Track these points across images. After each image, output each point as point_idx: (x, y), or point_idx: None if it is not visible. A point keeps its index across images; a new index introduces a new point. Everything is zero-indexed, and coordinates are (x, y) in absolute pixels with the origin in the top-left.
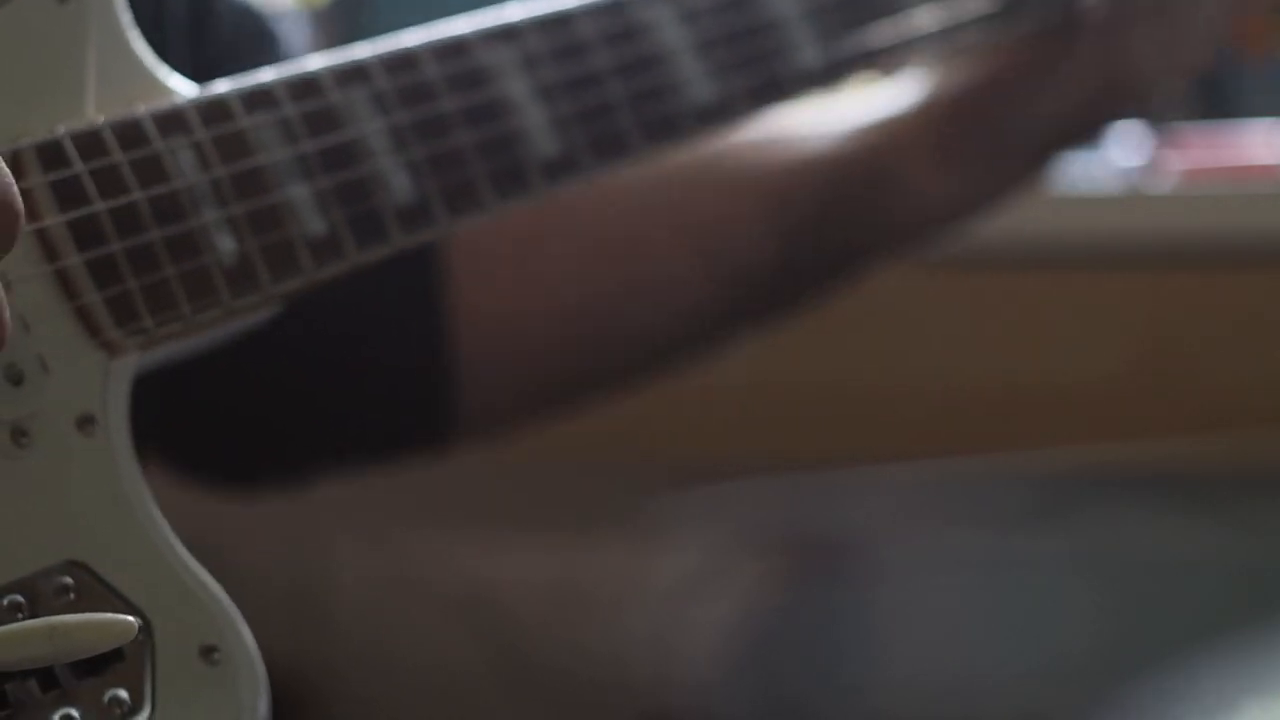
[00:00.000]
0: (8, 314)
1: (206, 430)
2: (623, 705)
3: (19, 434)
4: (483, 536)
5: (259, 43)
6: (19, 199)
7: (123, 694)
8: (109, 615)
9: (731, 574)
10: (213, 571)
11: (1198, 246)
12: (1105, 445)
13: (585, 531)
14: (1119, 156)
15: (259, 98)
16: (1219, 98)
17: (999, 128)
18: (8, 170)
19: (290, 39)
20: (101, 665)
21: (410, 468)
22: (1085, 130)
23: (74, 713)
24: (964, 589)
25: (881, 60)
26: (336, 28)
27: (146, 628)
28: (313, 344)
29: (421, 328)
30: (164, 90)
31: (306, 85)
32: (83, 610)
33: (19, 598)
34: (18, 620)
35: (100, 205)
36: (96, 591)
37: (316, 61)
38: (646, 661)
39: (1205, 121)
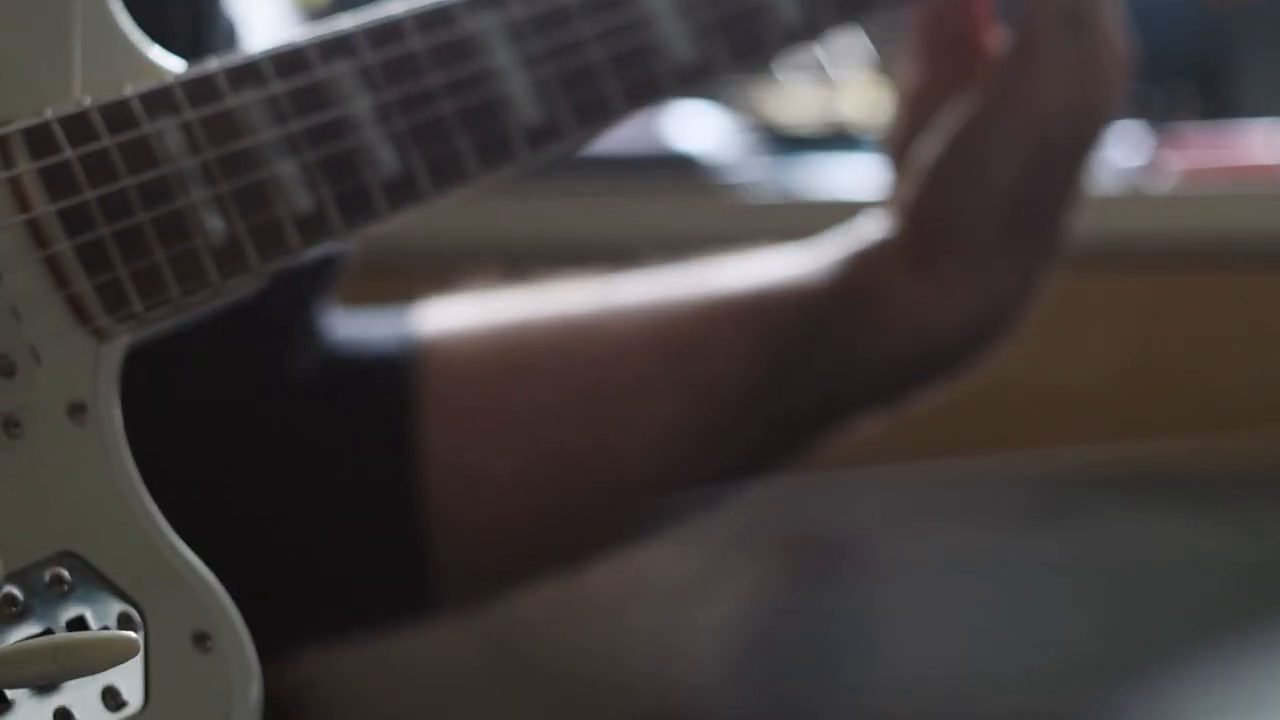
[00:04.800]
0: None
1: None
2: (623, 705)
3: (11, 425)
4: None
5: None
6: None
7: (116, 685)
8: (113, 634)
9: (731, 574)
10: None
11: (1198, 246)
12: (1104, 445)
13: None
14: (1119, 156)
15: (245, 73)
16: (1219, 98)
17: (953, 221)
18: None
19: None
20: None
21: (396, 634)
22: (1044, 212)
23: (69, 705)
24: (963, 589)
25: (863, 15)
26: None
27: (140, 617)
28: (284, 515)
29: (394, 490)
30: (151, 68)
31: (292, 59)
32: (76, 602)
33: (13, 590)
34: (12, 613)
35: (90, 193)
36: (90, 581)
37: (301, 34)
38: (647, 661)
39: (1205, 121)
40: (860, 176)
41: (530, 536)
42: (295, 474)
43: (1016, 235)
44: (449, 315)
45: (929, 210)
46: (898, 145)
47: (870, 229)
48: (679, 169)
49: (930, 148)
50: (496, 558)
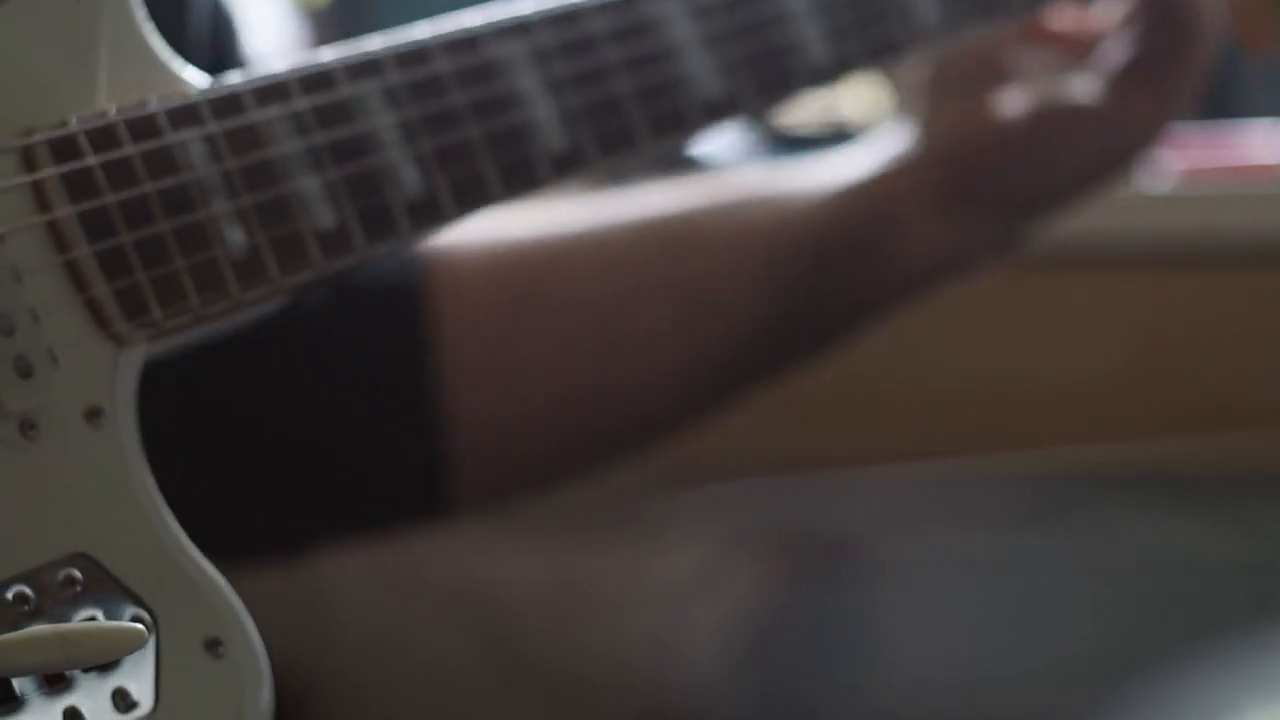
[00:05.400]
0: None
1: (198, 502)
2: (622, 705)
3: (27, 426)
4: (482, 535)
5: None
6: None
7: (127, 686)
8: (119, 624)
9: (731, 574)
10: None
11: (1198, 246)
12: (1105, 445)
13: (585, 531)
14: None
15: (271, 90)
16: (1219, 98)
17: (1001, 182)
18: None
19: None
20: None
21: (407, 537)
22: (1082, 191)
23: (78, 705)
24: (963, 589)
25: (890, 55)
26: (336, 28)
27: (152, 621)
28: (302, 415)
29: (412, 399)
30: (176, 82)
31: (318, 78)
32: (88, 604)
33: (25, 589)
34: (24, 612)
35: (111, 198)
36: (103, 584)
37: (329, 54)
38: (646, 661)
39: (1205, 121)
40: None
41: (541, 464)
42: (311, 401)
43: (1047, 204)
44: (462, 239)
45: (981, 168)
46: (954, 72)
47: (893, 147)
48: (679, 168)
49: (1003, 108)
50: (508, 480)
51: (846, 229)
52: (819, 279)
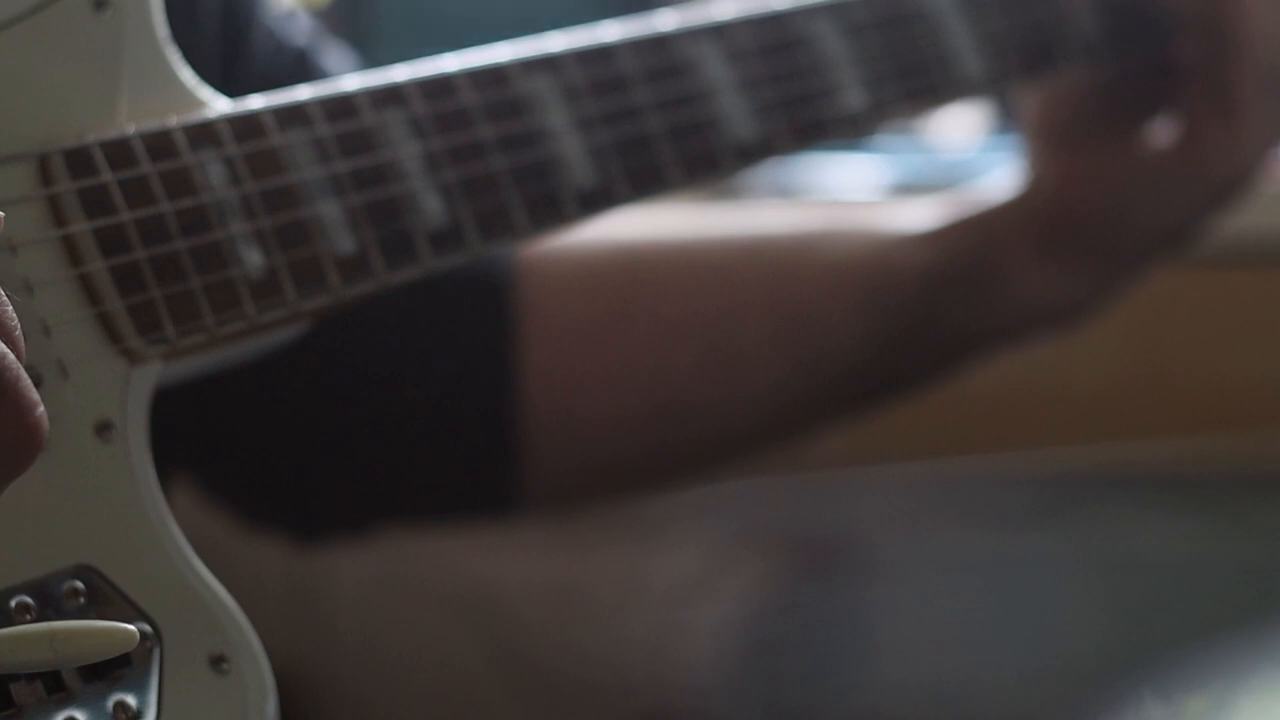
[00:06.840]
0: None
1: (270, 480)
2: (622, 706)
3: None
4: (482, 536)
5: (294, 77)
6: (45, 426)
7: (128, 699)
8: (110, 624)
9: (731, 574)
10: (210, 569)
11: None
12: (1105, 445)
13: (585, 531)
14: None
15: (293, 115)
16: None
17: (1105, 230)
18: (35, 394)
19: (336, 67)
20: (108, 669)
21: (472, 527)
22: (1193, 232)
23: (78, 716)
24: (964, 589)
25: (928, 105)
26: (336, 28)
27: (156, 635)
28: (380, 401)
29: (490, 388)
30: (197, 103)
31: (341, 105)
32: (92, 615)
33: (28, 599)
34: (25, 621)
35: (127, 215)
36: (107, 597)
37: (353, 82)
38: (646, 662)
39: None
40: (860, 176)
41: (622, 470)
42: (389, 365)
43: (1151, 250)
44: (560, 242)
45: (1087, 212)
46: (1060, 116)
47: (998, 192)
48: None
49: (1107, 155)
50: (586, 483)
51: (951, 263)
52: (920, 311)
